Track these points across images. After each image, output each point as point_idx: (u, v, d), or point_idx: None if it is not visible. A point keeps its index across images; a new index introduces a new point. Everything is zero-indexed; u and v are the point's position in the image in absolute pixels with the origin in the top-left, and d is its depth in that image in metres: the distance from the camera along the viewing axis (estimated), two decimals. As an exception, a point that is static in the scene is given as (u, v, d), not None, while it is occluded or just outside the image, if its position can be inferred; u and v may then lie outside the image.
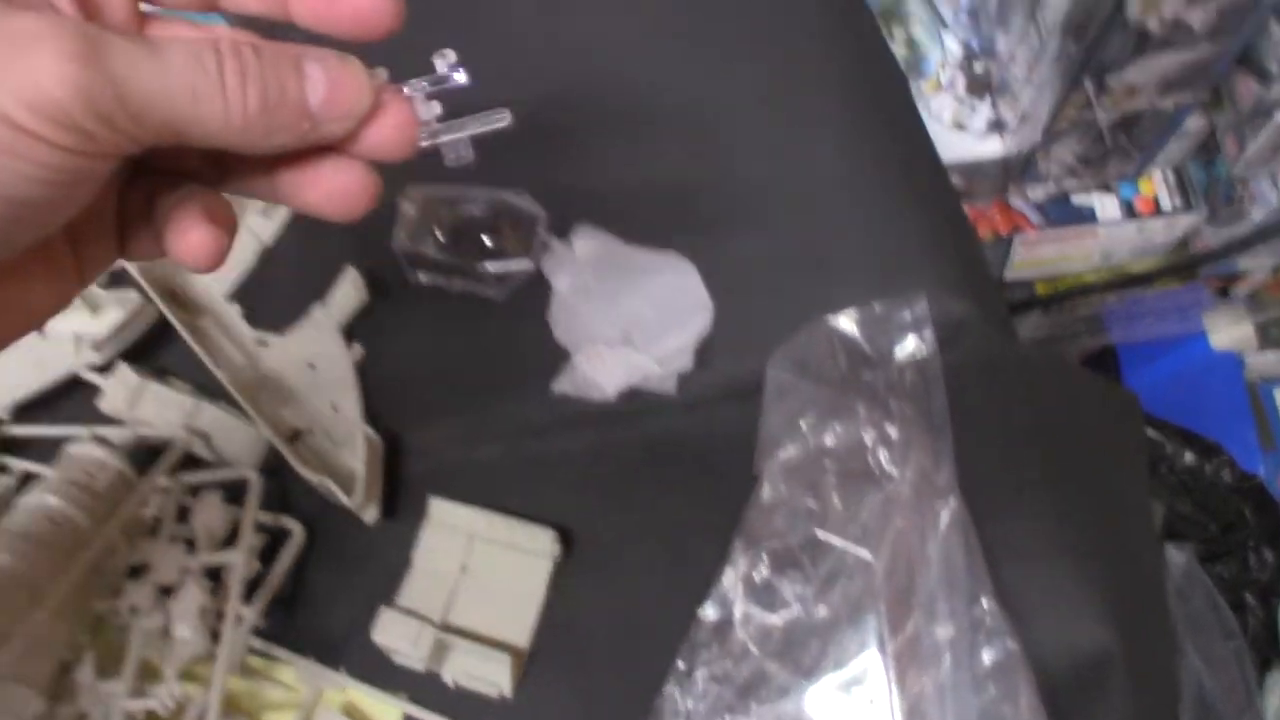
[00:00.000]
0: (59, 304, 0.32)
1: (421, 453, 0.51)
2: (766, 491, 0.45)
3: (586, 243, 0.51)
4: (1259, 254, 0.84)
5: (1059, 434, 0.48)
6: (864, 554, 0.43)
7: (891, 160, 0.52)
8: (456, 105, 0.32)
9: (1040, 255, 0.84)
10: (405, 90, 0.31)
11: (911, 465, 0.44)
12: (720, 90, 0.55)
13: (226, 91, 0.28)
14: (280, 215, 0.58)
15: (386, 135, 0.31)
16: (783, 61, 0.55)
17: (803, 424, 0.46)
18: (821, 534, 0.43)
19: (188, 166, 0.33)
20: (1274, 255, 0.85)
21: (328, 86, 0.30)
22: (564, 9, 0.60)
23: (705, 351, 0.50)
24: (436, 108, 0.32)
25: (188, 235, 0.31)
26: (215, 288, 0.57)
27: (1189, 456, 0.93)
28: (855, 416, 0.45)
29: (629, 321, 0.50)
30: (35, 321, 0.32)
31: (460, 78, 0.32)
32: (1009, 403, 0.47)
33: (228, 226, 0.32)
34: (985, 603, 0.42)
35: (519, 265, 0.53)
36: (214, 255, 0.32)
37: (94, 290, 0.55)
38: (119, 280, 0.57)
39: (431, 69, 0.32)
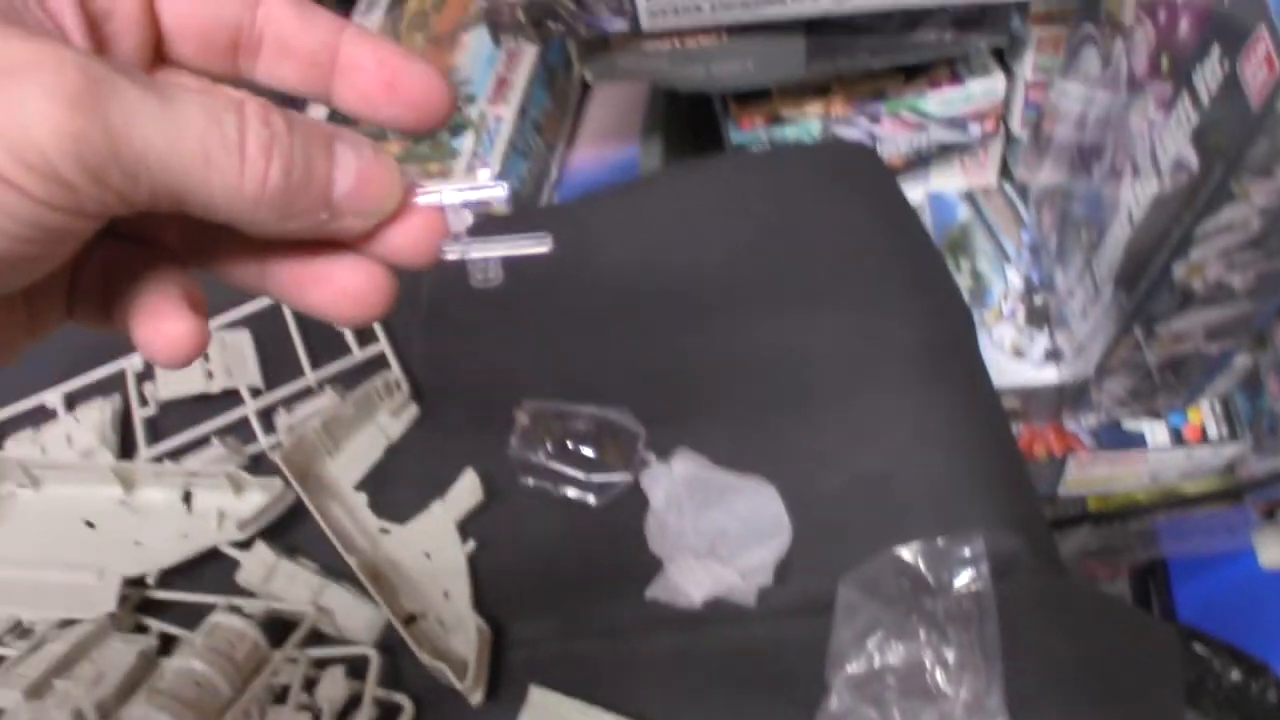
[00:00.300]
0: (6, 359, 0.29)
1: (523, 643, 0.57)
2: (835, 701, 0.51)
3: (683, 463, 0.58)
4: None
5: (1101, 665, 0.53)
6: (921, 766, 0.48)
7: (958, 409, 0.59)
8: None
9: (1092, 475, 0.89)
10: (440, 193, 0.29)
11: (965, 687, 0.50)
12: (804, 336, 0.62)
13: (245, 162, 0.24)
14: (408, 415, 0.66)
15: (410, 240, 0.29)
16: (864, 307, 0.63)
17: (869, 642, 0.51)
18: (883, 746, 0.48)
19: (160, 235, 0.30)
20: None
21: (357, 176, 0.27)
22: (667, 264, 0.69)
23: (783, 569, 0.55)
24: (469, 218, 0.30)
25: (163, 325, 0.28)
26: (345, 477, 0.65)
27: (1235, 674, 0.96)
28: (916, 639, 0.51)
29: (715, 536, 0.56)
30: None
31: (500, 191, 0.29)
32: (1055, 634, 0.52)
33: (204, 315, 0.28)
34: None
35: (619, 477, 0.60)
36: (191, 351, 0.28)
37: (239, 473, 0.62)
38: (259, 464, 0.65)
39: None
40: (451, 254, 0.30)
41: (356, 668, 0.57)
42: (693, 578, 0.55)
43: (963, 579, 0.52)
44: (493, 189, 0.29)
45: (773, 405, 0.61)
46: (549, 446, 0.61)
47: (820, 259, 0.66)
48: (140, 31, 0.27)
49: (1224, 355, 0.78)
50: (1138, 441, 0.87)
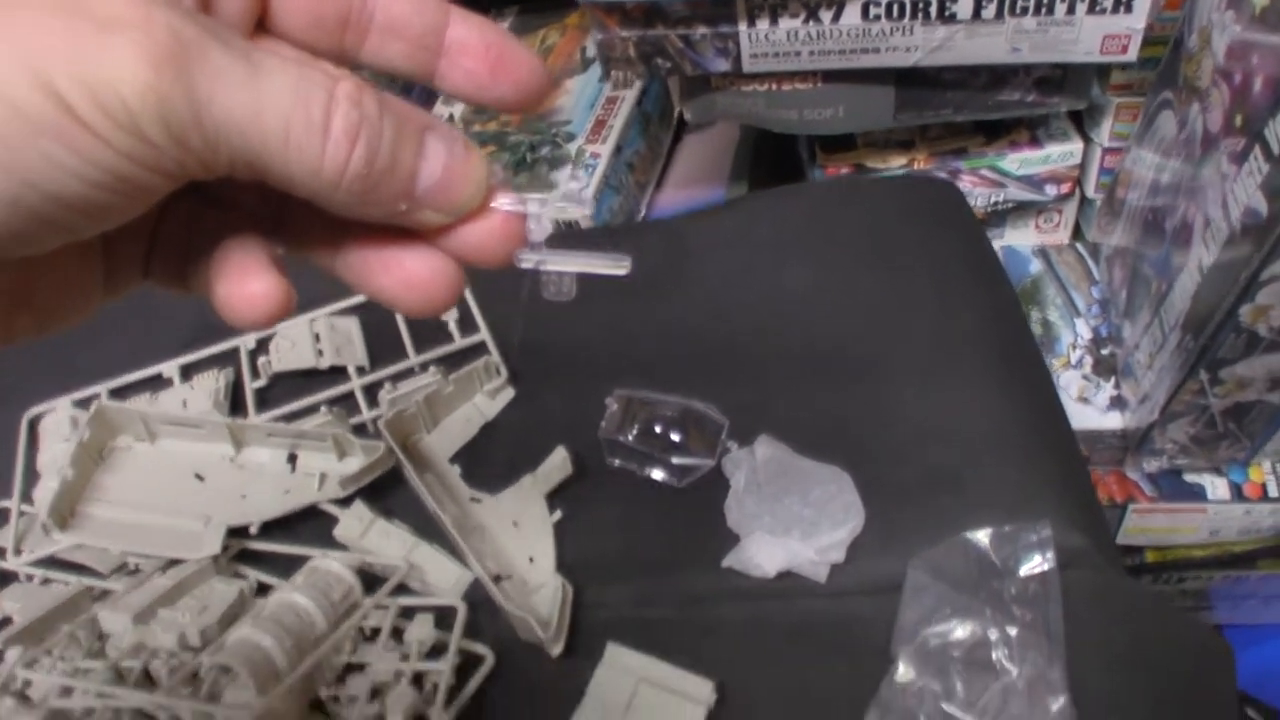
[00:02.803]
0: (81, 314, 0.29)
1: (601, 605, 0.60)
2: (901, 670, 0.53)
3: (764, 449, 0.61)
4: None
5: (1159, 663, 0.55)
6: (982, 731, 0.50)
7: (1026, 408, 0.62)
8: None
9: (1151, 524, 0.91)
10: (523, 200, 0.29)
11: (1028, 663, 0.52)
12: (883, 335, 0.66)
13: (329, 143, 0.24)
14: (504, 398, 0.70)
15: (486, 241, 0.28)
16: (941, 319, 0.66)
17: (936, 618, 0.54)
18: (947, 707, 0.51)
19: (243, 200, 0.30)
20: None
21: (444, 172, 0.27)
22: (755, 277, 0.73)
23: (854, 549, 0.58)
24: (549, 228, 0.29)
25: (248, 284, 0.27)
26: (441, 449, 0.68)
27: (1288, 742, 0.96)
28: (982, 616, 0.53)
29: (791, 518, 0.59)
30: (48, 329, 0.28)
31: (584, 208, 0.29)
32: (1115, 625, 0.55)
33: (286, 276, 0.28)
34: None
35: (701, 461, 0.63)
36: (275, 309, 0.27)
37: (344, 435, 0.66)
38: (362, 434, 0.69)
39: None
40: (527, 263, 0.29)
41: (442, 620, 0.60)
42: (767, 551, 0.58)
43: (1029, 564, 0.55)
44: (578, 204, 0.30)
45: (851, 404, 0.64)
46: (637, 430, 0.64)
47: (901, 277, 0.69)
48: None
49: (1287, 408, 0.80)
50: (1198, 494, 0.89)
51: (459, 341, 0.73)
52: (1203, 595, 1.05)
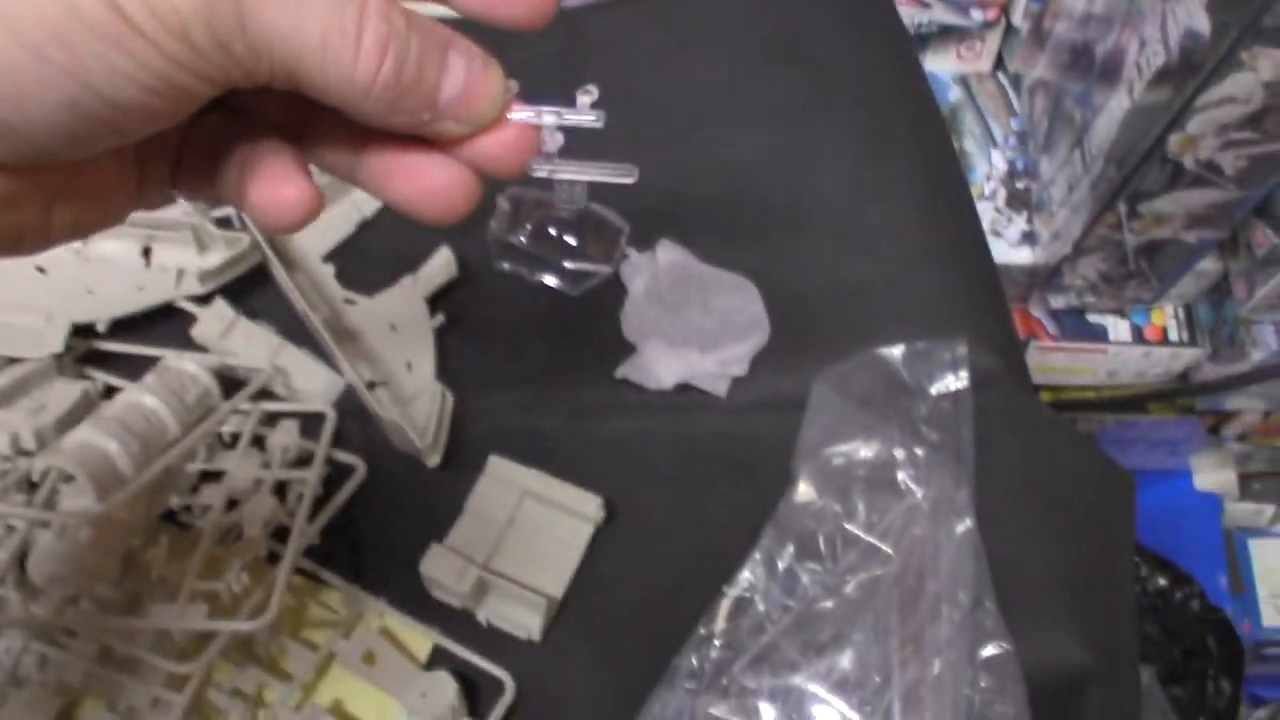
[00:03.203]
0: (114, 219, 0.30)
1: (485, 414, 0.56)
2: (800, 490, 0.50)
3: (666, 254, 0.57)
4: (1252, 395, 0.90)
5: (1065, 484, 0.53)
6: (884, 548, 0.48)
7: (946, 224, 0.58)
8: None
9: (1051, 363, 0.90)
10: (537, 113, 0.30)
11: (934, 484, 0.49)
12: (802, 141, 0.61)
13: (360, 52, 0.26)
14: (383, 192, 0.64)
15: (502, 152, 0.30)
16: (862, 126, 0.62)
17: (840, 436, 0.51)
18: (848, 526, 0.48)
19: (268, 111, 0.31)
20: (1266, 399, 0.91)
21: (465, 85, 0.28)
22: (663, 76, 0.67)
23: (757, 363, 0.55)
24: (561, 140, 0.31)
25: (281, 188, 0.29)
26: (313, 247, 0.62)
27: (1161, 581, 0.97)
28: (888, 436, 0.50)
29: (692, 330, 0.55)
30: (83, 232, 0.30)
31: (596, 121, 0.31)
32: (1025, 449, 0.52)
33: (315, 184, 0.29)
34: (988, 605, 0.46)
35: (598, 267, 0.58)
36: (309, 212, 0.29)
37: (204, 227, 0.60)
38: (227, 223, 0.62)
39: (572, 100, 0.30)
40: (540, 172, 0.31)
41: (309, 428, 0.55)
42: (665, 362, 0.54)
43: (942, 382, 0.52)
44: (589, 117, 0.31)
45: (762, 211, 0.60)
46: (529, 232, 0.59)
47: (823, 78, 0.64)
48: None
49: (1201, 246, 0.78)
50: (1100, 334, 0.88)
51: (337, 132, 0.66)
52: (1091, 439, 1.05)
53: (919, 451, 0.50)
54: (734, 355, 0.54)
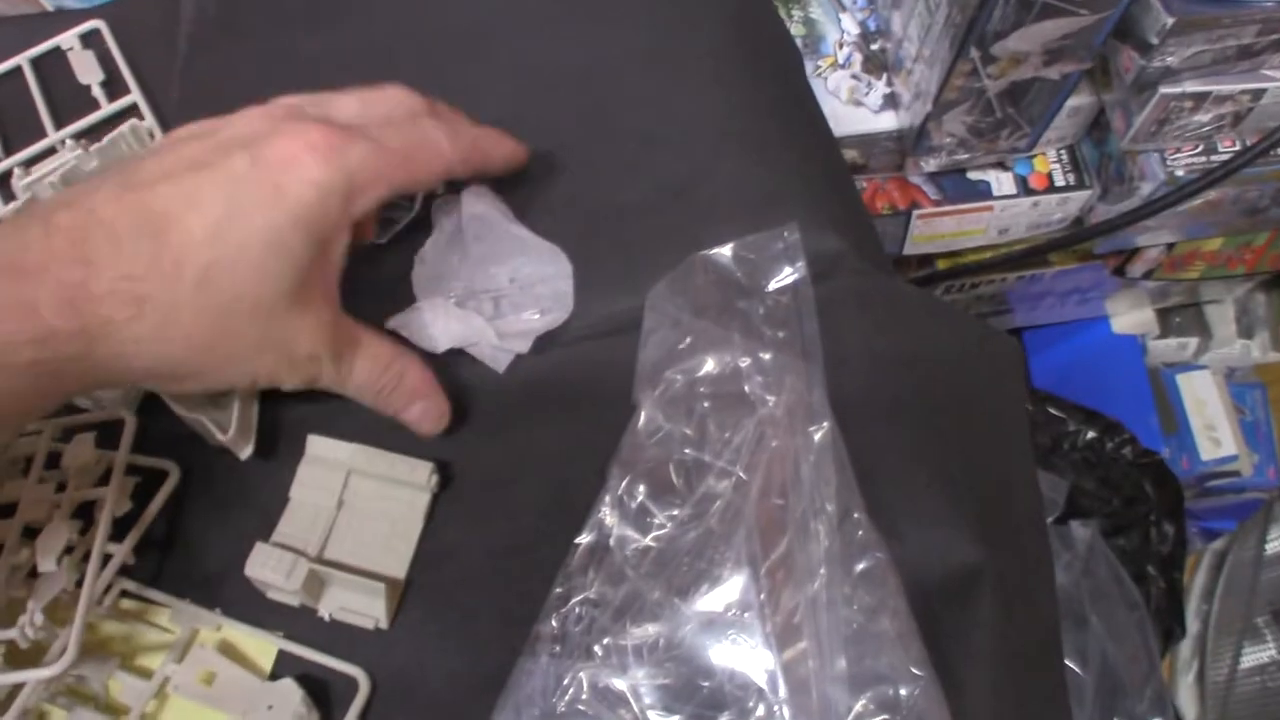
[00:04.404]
0: None
1: (299, 394, 0.51)
2: (643, 419, 0.46)
3: (475, 201, 0.51)
4: (1152, 231, 0.86)
5: (932, 365, 0.49)
6: (738, 472, 0.44)
7: (764, 103, 0.53)
8: None
9: (938, 229, 0.86)
10: None
11: (786, 389, 0.45)
12: (596, 48, 0.56)
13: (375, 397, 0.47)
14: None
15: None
16: (662, 14, 0.56)
17: (679, 355, 0.46)
18: (698, 452, 0.43)
19: None
20: (1165, 232, 0.87)
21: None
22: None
23: (584, 291, 0.50)
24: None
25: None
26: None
27: (1090, 433, 0.95)
28: (730, 344, 0.46)
29: (488, 291, 0.50)
30: None
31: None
32: (881, 332, 0.48)
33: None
34: (856, 515, 0.42)
35: (400, 213, 0.53)
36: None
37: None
38: None
39: None
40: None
41: (113, 439, 0.50)
42: (443, 322, 0.49)
43: (778, 276, 0.47)
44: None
45: (567, 123, 0.54)
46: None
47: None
48: None
49: (1066, 82, 0.74)
50: (984, 191, 0.84)
51: (106, 107, 0.60)
52: (1000, 299, 1.02)
53: (765, 356, 0.45)
54: (525, 329, 0.49)
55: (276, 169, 0.39)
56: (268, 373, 0.43)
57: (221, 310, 0.39)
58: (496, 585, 0.46)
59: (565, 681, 0.42)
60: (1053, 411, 0.95)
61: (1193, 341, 1.15)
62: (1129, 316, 1.07)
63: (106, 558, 0.46)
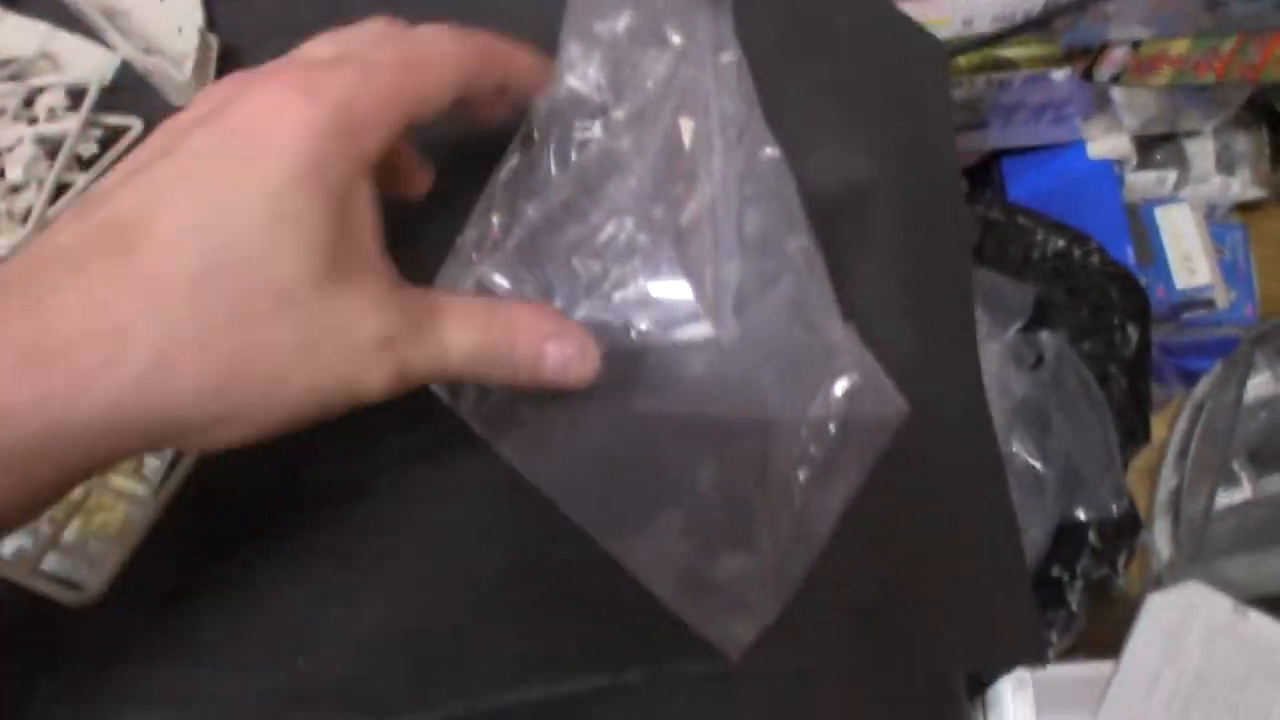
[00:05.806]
0: None
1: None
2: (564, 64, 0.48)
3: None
4: (1116, 22, 0.87)
5: (850, 31, 0.51)
6: (649, 96, 0.46)
7: None
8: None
9: (902, 16, 0.87)
10: None
11: (697, 27, 0.48)
12: None
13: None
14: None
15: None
16: None
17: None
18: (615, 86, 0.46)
19: None
20: (1132, 25, 0.88)
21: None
22: None
23: None
24: None
25: None
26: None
27: (1059, 242, 0.97)
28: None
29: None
30: None
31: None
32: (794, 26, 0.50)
33: None
34: (758, 131, 0.45)
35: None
36: None
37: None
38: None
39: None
40: None
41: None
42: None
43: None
44: None
45: None
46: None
47: None
48: None
49: None
50: (943, -20, 0.85)
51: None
52: (974, 108, 1.03)
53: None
54: None
55: (250, 129, 0.32)
56: (335, 381, 0.33)
57: (234, 318, 0.31)
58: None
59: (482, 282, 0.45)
60: (1022, 222, 0.97)
61: (1171, 174, 1.16)
62: (1105, 141, 1.09)
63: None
